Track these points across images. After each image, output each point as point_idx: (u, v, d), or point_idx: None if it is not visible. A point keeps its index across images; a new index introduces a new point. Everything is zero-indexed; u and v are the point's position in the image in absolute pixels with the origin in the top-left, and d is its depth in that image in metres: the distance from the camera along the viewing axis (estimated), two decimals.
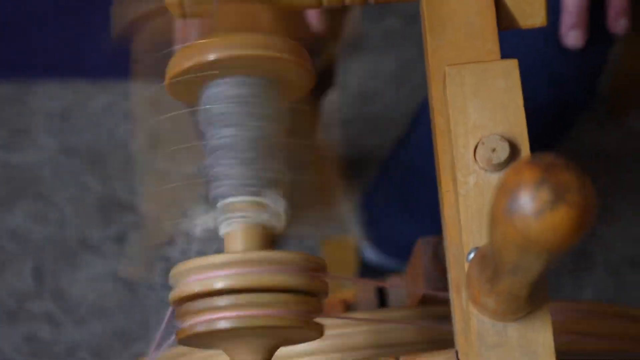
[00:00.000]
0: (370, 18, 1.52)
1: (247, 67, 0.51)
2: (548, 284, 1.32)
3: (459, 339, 0.50)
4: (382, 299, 0.83)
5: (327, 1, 0.57)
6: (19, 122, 1.45)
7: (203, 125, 0.52)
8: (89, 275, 1.36)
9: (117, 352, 1.30)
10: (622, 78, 1.40)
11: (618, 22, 0.86)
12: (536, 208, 0.34)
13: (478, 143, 0.48)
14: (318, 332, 0.51)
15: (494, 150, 0.48)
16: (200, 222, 0.54)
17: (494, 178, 0.48)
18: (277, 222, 0.52)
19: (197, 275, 0.49)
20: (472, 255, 0.47)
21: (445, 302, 0.53)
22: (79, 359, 1.32)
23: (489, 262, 0.42)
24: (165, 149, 0.56)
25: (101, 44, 0.60)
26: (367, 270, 1.28)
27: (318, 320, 0.51)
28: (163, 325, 0.53)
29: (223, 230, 0.52)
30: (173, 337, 0.52)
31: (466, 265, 0.47)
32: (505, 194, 0.35)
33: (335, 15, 0.82)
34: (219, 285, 0.48)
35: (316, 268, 0.50)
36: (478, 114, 0.49)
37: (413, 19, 1.49)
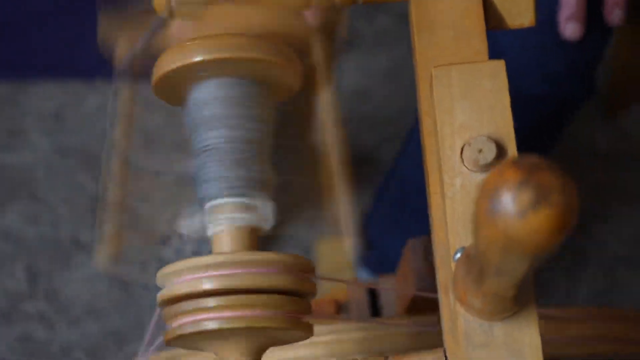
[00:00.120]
0: (363, 17, 1.52)
1: (234, 68, 0.52)
2: (542, 284, 1.32)
3: (446, 339, 0.51)
4: (373, 300, 0.83)
5: (317, 0, 0.57)
6: (13, 123, 1.45)
7: (190, 126, 0.52)
8: (83, 275, 1.36)
9: (111, 352, 1.30)
10: (614, 77, 1.40)
11: (614, 13, 0.86)
12: (518, 209, 0.34)
13: (465, 144, 0.49)
14: (306, 332, 0.51)
15: (480, 151, 0.48)
16: (188, 224, 0.54)
17: (481, 179, 0.48)
18: (265, 223, 0.52)
19: (184, 276, 0.49)
20: (458, 255, 0.47)
21: (435, 303, 0.53)
22: (73, 359, 1.32)
23: (474, 262, 0.43)
24: (151, 148, 0.56)
25: (95, 44, 0.60)
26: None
27: (306, 320, 0.51)
28: (152, 327, 0.53)
29: (211, 231, 0.52)
30: (162, 338, 0.52)
31: (453, 265, 0.47)
32: (487, 194, 0.35)
33: (330, 11, 0.81)
34: (207, 286, 0.48)
35: (304, 269, 0.50)
36: (465, 115, 0.49)
37: (405, 18, 1.48)
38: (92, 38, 0.59)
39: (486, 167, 0.48)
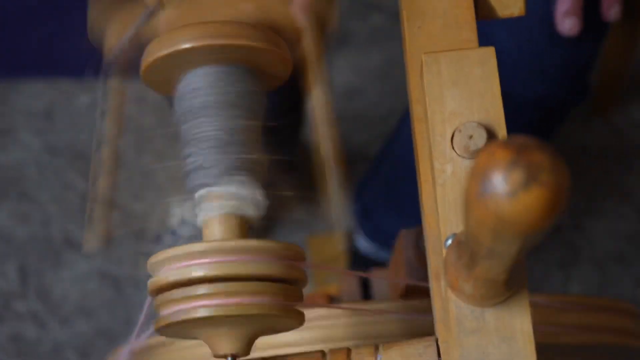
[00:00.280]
0: (356, 15, 1.52)
1: (223, 56, 0.51)
2: (535, 279, 1.32)
3: (438, 327, 0.50)
4: (366, 292, 0.83)
5: None
6: (3, 121, 1.45)
7: (180, 115, 0.52)
8: (74, 274, 1.35)
9: (102, 350, 1.29)
10: (604, 74, 1.41)
11: (612, 10, 0.86)
12: (509, 189, 0.34)
13: (455, 131, 0.48)
14: (297, 320, 0.51)
15: (471, 137, 0.48)
16: (178, 212, 0.53)
17: (472, 165, 0.48)
18: (255, 211, 0.52)
19: (174, 264, 0.49)
20: (449, 241, 0.47)
21: (427, 294, 0.53)
22: (64, 357, 1.31)
23: (465, 247, 0.42)
24: (141, 140, 0.56)
25: (84, 42, 0.60)
26: (358, 259, 1.29)
27: (297, 308, 0.51)
28: (143, 314, 0.52)
29: (201, 219, 0.52)
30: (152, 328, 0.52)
31: (444, 252, 0.47)
32: (478, 176, 0.35)
33: (320, 7, 0.81)
34: (197, 273, 0.48)
35: (294, 256, 0.50)
36: (455, 101, 0.49)
37: (398, 16, 1.49)
38: (81, 35, 0.59)
39: (477, 153, 0.48)
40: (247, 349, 0.50)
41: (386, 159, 1.20)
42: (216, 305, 0.48)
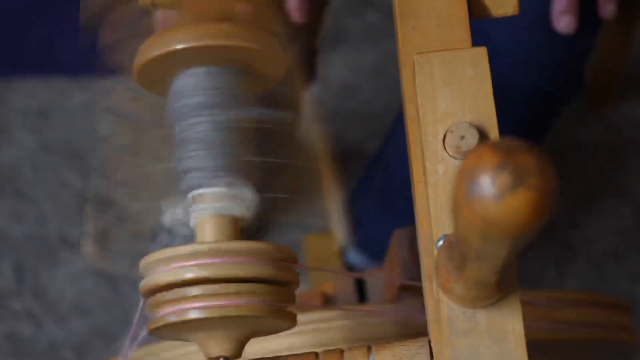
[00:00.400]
0: (351, 13, 1.52)
1: (216, 56, 0.51)
2: (530, 277, 1.32)
3: (431, 328, 0.50)
4: (361, 292, 0.83)
5: None
6: None
7: (172, 115, 0.52)
8: (69, 272, 1.35)
9: (98, 349, 1.29)
10: (599, 71, 1.41)
11: (608, 7, 0.86)
12: (496, 192, 0.34)
13: (447, 131, 0.48)
14: (290, 322, 0.51)
15: (462, 137, 0.48)
16: (171, 214, 0.53)
17: None
18: (247, 212, 0.52)
19: (167, 265, 0.49)
20: (441, 242, 0.47)
21: (422, 293, 0.53)
22: (60, 356, 1.31)
23: (455, 249, 0.42)
24: (135, 139, 0.56)
25: (79, 41, 0.60)
26: (350, 271, 1.28)
27: (290, 310, 0.51)
28: (137, 316, 0.52)
29: (194, 220, 0.52)
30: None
31: (436, 253, 0.47)
32: (465, 178, 0.35)
33: (315, 5, 0.81)
34: (189, 275, 0.48)
35: (286, 258, 0.50)
36: (447, 101, 0.49)
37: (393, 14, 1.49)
38: (76, 34, 0.59)
39: (465, 156, 0.48)
40: (239, 351, 0.50)
41: (378, 168, 1.19)
42: (208, 307, 0.48)
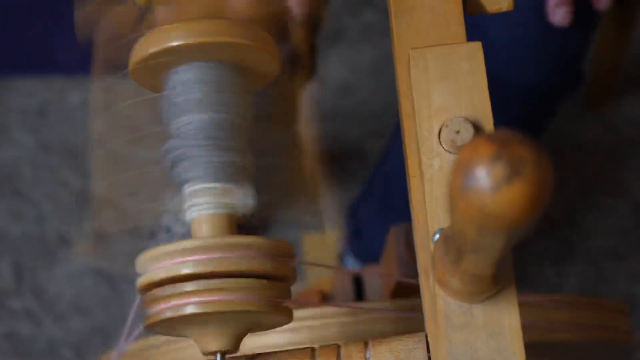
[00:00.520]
0: (349, 11, 1.52)
1: (212, 53, 0.51)
2: (529, 276, 1.32)
3: (428, 323, 0.50)
4: (358, 290, 0.83)
5: None
6: None
7: (168, 111, 0.52)
8: (68, 271, 1.35)
9: (97, 347, 1.29)
10: (598, 69, 1.41)
11: (602, 1, 0.86)
12: (492, 183, 0.34)
13: (442, 126, 0.48)
14: (287, 317, 0.51)
15: (458, 132, 0.48)
16: (168, 210, 0.53)
17: None
18: (244, 207, 0.52)
19: (163, 261, 0.49)
20: (437, 236, 0.47)
21: (419, 290, 0.53)
22: (59, 355, 1.31)
23: (451, 242, 0.42)
24: (128, 136, 0.56)
25: (77, 40, 0.60)
26: None
27: (286, 305, 0.51)
28: (133, 312, 0.52)
29: (190, 216, 0.52)
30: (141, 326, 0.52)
31: (432, 247, 0.47)
32: (461, 170, 0.35)
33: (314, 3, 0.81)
34: (186, 270, 0.48)
35: (283, 253, 0.50)
36: (442, 96, 0.49)
37: None
38: (74, 33, 0.59)
39: (461, 148, 0.48)
40: (235, 346, 0.50)
41: (379, 177, 1.20)
42: (204, 302, 0.48)
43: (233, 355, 0.51)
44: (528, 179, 0.34)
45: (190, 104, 0.51)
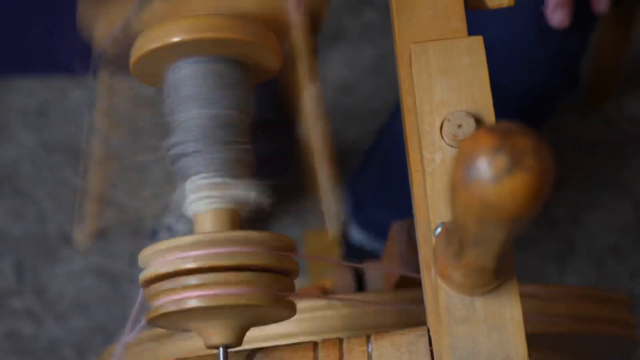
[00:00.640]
0: (349, 11, 1.52)
1: (213, 48, 0.51)
2: (531, 273, 1.32)
3: (430, 317, 0.50)
4: (359, 284, 0.83)
5: None
6: None
7: (170, 106, 0.52)
8: (69, 270, 1.35)
9: (98, 347, 1.29)
10: (598, 68, 1.41)
11: (601, 3, 0.86)
12: (493, 174, 0.34)
13: (444, 120, 0.48)
14: (289, 310, 0.51)
15: (459, 126, 0.48)
16: (170, 207, 0.54)
17: None
18: (246, 202, 0.52)
19: (166, 256, 0.49)
20: (438, 230, 0.47)
21: (421, 285, 0.53)
22: (60, 354, 1.31)
23: (453, 235, 0.42)
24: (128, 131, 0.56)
25: (77, 39, 0.60)
26: (352, 251, 1.29)
27: (289, 299, 0.51)
28: (136, 306, 0.52)
29: (192, 211, 0.52)
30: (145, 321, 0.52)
31: (434, 241, 0.47)
32: (462, 162, 0.35)
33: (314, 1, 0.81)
34: (189, 265, 0.48)
35: (285, 247, 0.50)
36: (443, 91, 0.49)
37: None
38: (75, 32, 0.59)
39: (462, 140, 0.48)
40: (239, 340, 0.51)
41: (377, 151, 1.20)
42: (207, 296, 0.48)
43: (236, 349, 0.51)
44: (529, 169, 0.34)
45: (192, 100, 0.51)
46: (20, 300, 1.34)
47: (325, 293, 0.82)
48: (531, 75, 0.94)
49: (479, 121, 0.48)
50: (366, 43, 1.50)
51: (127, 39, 0.55)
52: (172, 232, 1.19)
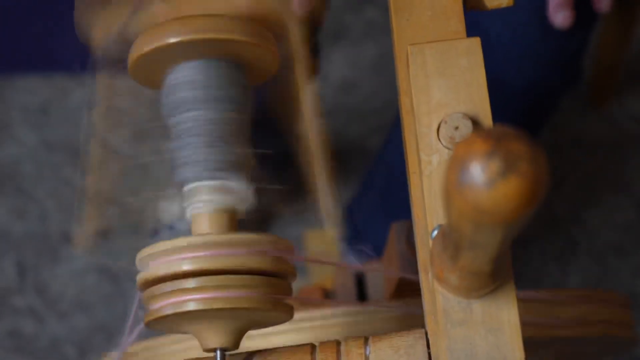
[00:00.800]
0: (350, 9, 1.52)
1: (211, 50, 0.51)
2: (533, 272, 1.31)
3: (428, 320, 0.50)
4: (360, 288, 0.83)
5: None
6: None
7: (167, 109, 0.52)
8: (71, 269, 1.36)
9: (100, 345, 1.30)
10: (600, 67, 1.41)
11: (602, 2, 0.86)
12: (487, 178, 0.34)
13: (441, 122, 0.48)
14: (287, 314, 0.51)
15: (457, 128, 0.48)
16: (168, 208, 0.54)
17: None
18: (244, 204, 0.52)
19: (163, 258, 0.49)
20: (435, 232, 0.47)
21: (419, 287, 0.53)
22: (62, 353, 1.32)
23: (449, 238, 0.42)
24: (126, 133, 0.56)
25: (77, 38, 0.60)
26: None
27: (286, 302, 0.51)
28: (134, 309, 0.52)
29: (189, 213, 0.52)
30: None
31: (431, 244, 0.47)
32: (456, 166, 0.35)
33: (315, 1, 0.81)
34: (186, 267, 0.48)
35: (283, 250, 0.50)
36: (441, 92, 0.49)
37: None
38: (74, 31, 0.59)
39: (456, 144, 0.47)
40: (236, 343, 0.50)
41: (379, 170, 1.19)
42: (205, 299, 0.48)
43: (233, 352, 0.51)
44: (523, 174, 0.34)
45: (190, 101, 0.51)
46: (22, 299, 1.34)
47: (326, 294, 0.82)
48: (531, 73, 0.94)
49: (476, 123, 0.48)
50: (367, 41, 1.50)
51: (125, 40, 0.55)
52: (173, 231, 1.18)
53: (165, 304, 0.49)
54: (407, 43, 0.53)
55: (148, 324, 0.50)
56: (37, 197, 1.40)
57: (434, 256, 0.46)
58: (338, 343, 0.51)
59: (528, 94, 0.96)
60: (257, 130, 0.54)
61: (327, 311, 0.65)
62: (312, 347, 0.52)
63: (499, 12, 0.59)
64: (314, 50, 1.09)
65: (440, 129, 0.48)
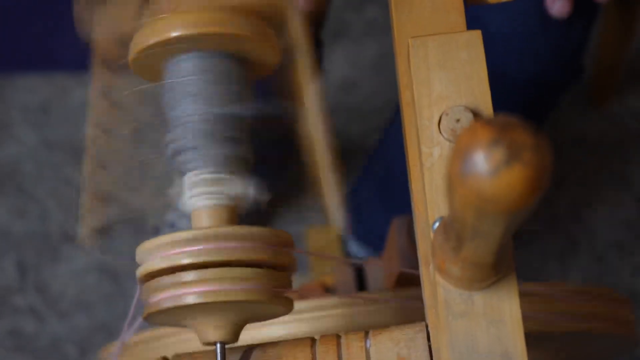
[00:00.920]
0: (352, 7, 1.52)
1: (211, 43, 0.51)
2: (533, 270, 1.31)
3: (429, 313, 0.50)
4: (360, 282, 0.83)
5: None
6: None
7: (168, 102, 0.52)
8: (71, 268, 1.35)
9: (101, 344, 1.29)
10: (601, 65, 1.40)
11: None
12: (490, 167, 0.34)
13: (442, 114, 0.48)
14: (286, 307, 0.51)
15: (458, 120, 0.48)
16: (170, 203, 0.53)
17: None
18: (244, 198, 0.52)
19: (163, 251, 0.49)
20: (436, 224, 0.47)
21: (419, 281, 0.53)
22: (62, 352, 1.31)
23: (451, 229, 0.42)
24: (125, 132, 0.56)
25: (77, 37, 0.60)
26: None
27: (286, 295, 0.51)
28: (134, 303, 0.52)
29: (190, 207, 0.52)
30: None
31: (432, 236, 0.47)
32: (460, 155, 0.35)
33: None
34: (185, 260, 0.48)
35: (283, 243, 0.50)
36: (442, 85, 0.49)
37: None
38: (74, 30, 0.59)
39: (460, 133, 0.47)
40: (235, 336, 0.50)
41: (378, 159, 1.20)
42: (204, 292, 0.48)
43: (232, 345, 0.51)
44: (527, 163, 0.34)
45: (191, 95, 0.51)
46: (22, 298, 1.34)
47: (326, 290, 0.82)
48: (532, 66, 0.94)
49: (477, 116, 0.48)
50: (369, 40, 1.50)
51: (125, 36, 0.54)
52: (174, 229, 1.18)
53: (165, 297, 0.48)
54: (407, 37, 0.53)
55: (147, 317, 0.50)
56: (37, 196, 1.40)
57: (435, 248, 0.46)
58: (338, 336, 0.51)
59: (529, 88, 0.96)
60: (259, 125, 0.54)
61: (326, 302, 0.65)
62: (312, 340, 0.51)
63: (499, 4, 0.59)
64: (317, 46, 1.09)
65: (442, 121, 0.48)
